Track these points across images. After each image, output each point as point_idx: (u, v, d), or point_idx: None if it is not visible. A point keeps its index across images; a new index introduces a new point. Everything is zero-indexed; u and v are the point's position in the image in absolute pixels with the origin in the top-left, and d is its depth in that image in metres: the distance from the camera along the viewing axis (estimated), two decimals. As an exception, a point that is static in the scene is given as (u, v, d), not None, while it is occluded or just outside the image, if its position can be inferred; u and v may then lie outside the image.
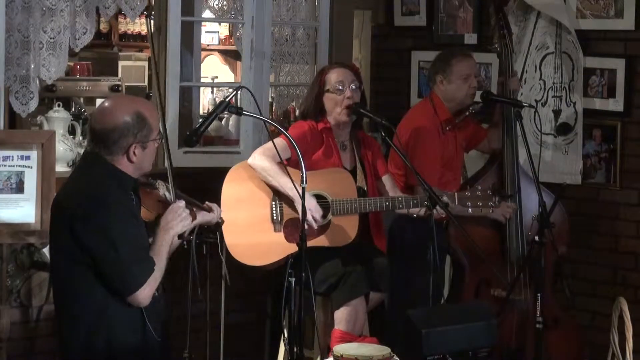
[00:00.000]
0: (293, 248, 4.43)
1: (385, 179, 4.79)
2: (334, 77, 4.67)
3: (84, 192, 3.42)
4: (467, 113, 5.06)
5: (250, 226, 4.50)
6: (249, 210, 4.47)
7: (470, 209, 4.55)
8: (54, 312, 3.60)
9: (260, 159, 4.53)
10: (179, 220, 3.60)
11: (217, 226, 4.04)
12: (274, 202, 4.55)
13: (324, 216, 4.50)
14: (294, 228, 4.50)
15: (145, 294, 3.43)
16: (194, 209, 3.89)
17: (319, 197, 4.51)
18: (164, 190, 3.81)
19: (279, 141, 4.40)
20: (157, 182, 3.82)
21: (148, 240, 3.53)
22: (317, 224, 4.44)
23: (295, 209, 4.48)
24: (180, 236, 3.67)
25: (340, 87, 4.63)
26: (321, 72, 4.78)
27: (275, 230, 4.54)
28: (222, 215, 4.03)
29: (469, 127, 5.19)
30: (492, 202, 4.57)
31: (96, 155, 3.48)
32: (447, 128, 5.03)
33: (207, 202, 4.00)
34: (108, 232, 3.35)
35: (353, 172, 4.70)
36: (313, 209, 4.40)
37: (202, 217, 3.89)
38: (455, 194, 4.57)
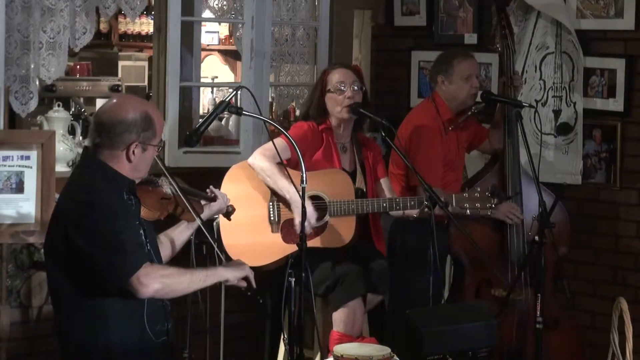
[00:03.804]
0: (290, 249, 4.44)
1: (383, 182, 4.78)
2: (335, 77, 4.66)
3: (77, 197, 3.42)
4: (470, 113, 5.04)
5: (248, 226, 4.49)
6: (247, 210, 4.47)
7: (468, 211, 4.53)
8: (53, 313, 3.60)
9: (260, 159, 4.53)
10: (235, 272, 3.66)
11: (228, 214, 4.03)
12: (271, 203, 4.54)
13: (321, 217, 4.50)
14: (292, 229, 4.50)
15: (143, 281, 3.34)
16: (202, 202, 3.90)
17: (317, 198, 4.50)
18: (167, 187, 3.80)
19: (279, 141, 4.40)
20: (160, 179, 3.81)
21: (143, 239, 3.52)
22: (310, 228, 4.40)
23: (291, 210, 4.49)
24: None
25: (342, 88, 4.62)
26: (323, 73, 4.78)
27: (272, 231, 4.53)
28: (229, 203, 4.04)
29: (470, 128, 5.18)
30: (490, 204, 4.54)
31: (92, 154, 3.48)
32: (450, 128, 5.02)
33: (210, 188, 4.00)
34: (99, 233, 3.34)
35: (353, 175, 4.69)
36: (309, 215, 4.34)
37: (210, 209, 3.94)
38: (453, 195, 4.54)
